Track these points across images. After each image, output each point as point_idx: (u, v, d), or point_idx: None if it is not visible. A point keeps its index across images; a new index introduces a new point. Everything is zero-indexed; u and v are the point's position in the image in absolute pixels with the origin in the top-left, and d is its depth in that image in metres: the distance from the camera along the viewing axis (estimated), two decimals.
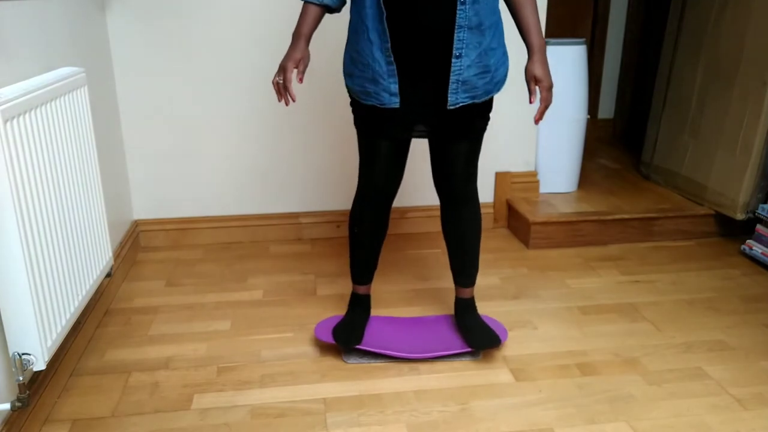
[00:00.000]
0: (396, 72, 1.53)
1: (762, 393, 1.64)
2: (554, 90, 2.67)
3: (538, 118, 1.56)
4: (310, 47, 2.42)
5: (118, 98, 2.39)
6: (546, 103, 1.57)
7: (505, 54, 1.60)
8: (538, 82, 1.55)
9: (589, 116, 2.81)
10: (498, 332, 1.82)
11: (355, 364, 1.77)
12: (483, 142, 2.62)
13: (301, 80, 1.55)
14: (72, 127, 1.61)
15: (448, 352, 1.76)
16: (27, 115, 1.35)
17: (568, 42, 2.66)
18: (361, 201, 1.75)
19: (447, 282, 2.24)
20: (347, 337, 1.77)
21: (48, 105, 1.46)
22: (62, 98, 1.55)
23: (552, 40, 2.67)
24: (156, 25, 2.33)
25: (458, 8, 1.46)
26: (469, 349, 1.77)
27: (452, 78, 1.51)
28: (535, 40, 1.55)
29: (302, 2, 1.59)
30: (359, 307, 1.87)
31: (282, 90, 1.55)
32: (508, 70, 1.62)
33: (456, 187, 1.71)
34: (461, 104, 1.54)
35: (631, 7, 3.64)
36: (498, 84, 1.59)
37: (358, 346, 1.77)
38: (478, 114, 1.62)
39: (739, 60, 2.47)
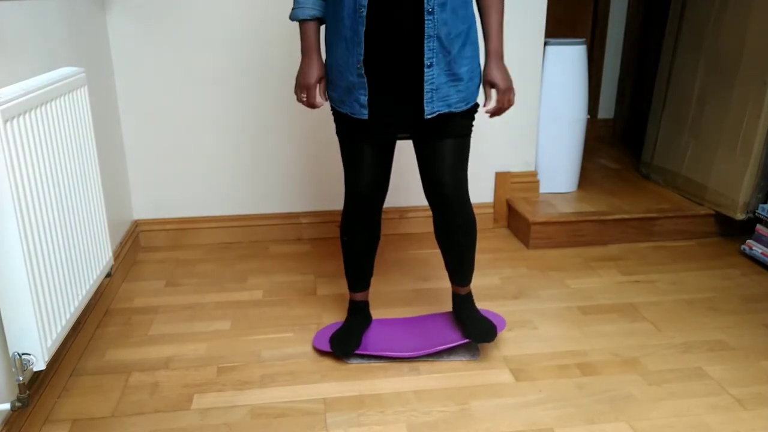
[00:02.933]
0: (366, 84, 1.53)
1: (762, 393, 1.64)
2: (554, 90, 2.70)
3: (492, 114, 1.60)
4: None
5: (118, 98, 2.39)
6: (506, 105, 1.59)
7: (479, 65, 1.60)
8: (494, 86, 1.58)
9: (589, 116, 2.81)
10: (495, 323, 1.83)
11: (356, 364, 1.77)
12: (483, 143, 2.64)
13: (325, 97, 1.62)
14: (72, 127, 1.61)
15: (446, 345, 1.77)
16: (27, 115, 1.35)
17: (568, 42, 2.66)
18: (349, 210, 1.74)
19: (447, 282, 2.23)
20: (345, 347, 1.77)
21: (48, 105, 1.46)
22: (62, 98, 1.55)
23: (552, 40, 2.67)
24: (156, 25, 2.33)
25: (426, 18, 1.47)
26: (467, 340, 1.77)
27: (426, 87, 1.52)
28: (492, 45, 1.57)
29: (298, 22, 1.59)
30: (358, 315, 1.87)
31: (309, 105, 1.63)
32: (480, 82, 1.61)
33: (446, 196, 1.66)
34: (438, 113, 1.55)
35: (631, 7, 3.63)
36: (474, 93, 1.59)
37: (357, 351, 1.77)
38: (459, 115, 1.60)
39: (739, 60, 2.47)
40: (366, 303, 1.89)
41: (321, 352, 1.82)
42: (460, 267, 1.80)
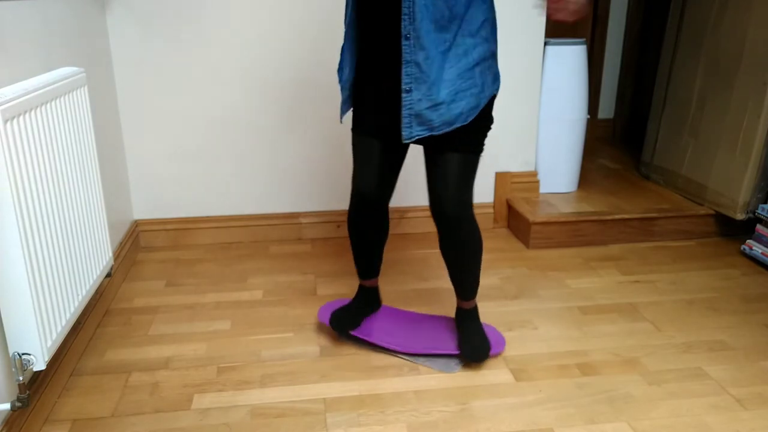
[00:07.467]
0: (350, 101, 1.65)
1: (762, 393, 1.64)
2: (554, 90, 2.70)
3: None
4: (310, 46, 2.42)
5: (118, 98, 2.39)
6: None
7: (470, 86, 1.51)
8: None
9: (589, 116, 2.81)
10: (495, 341, 1.82)
11: (351, 355, 1.77)
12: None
13: None
14: (72, 127, 1.61)
15: (434, 351, 1.77)
16: (27, 115, 1.35)
17: (568, 42, 2.66)
18: (352, 206, 1.75)
19: (447, 282, 2.24)
20: (341, 324, 1.83)
21: (48, 105, 1.46)
22: (62, 98, 1.55)
23: (552, 40, 2.67)
24: (156, 25, 2.33)
25: (403, 44, 1.45)
26: (457, 352, 1.76)
27: (404, 113, 1.49)
28: None
29: None
30: (363, 299, 1.90)
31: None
32: (475, 104, 1.52)
33: (446, 213, 1.61)
34: (417, 137, 1.52)
35: (631, 7, 3.64)
36: (461, 116, 1.51)
37: (353, 333, 1.83)
38: (464, 130, 1.55)
39: (739, 60, 2.47)
40: (373, 289, 1.91)
41: (321, 352, 1.82)
42: (462, 283, 1.77)
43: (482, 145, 1.61)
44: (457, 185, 1.59)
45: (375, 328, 1.85)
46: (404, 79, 1.47)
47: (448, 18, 1.44)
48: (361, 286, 1.90)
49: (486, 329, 1.87)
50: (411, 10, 1.41)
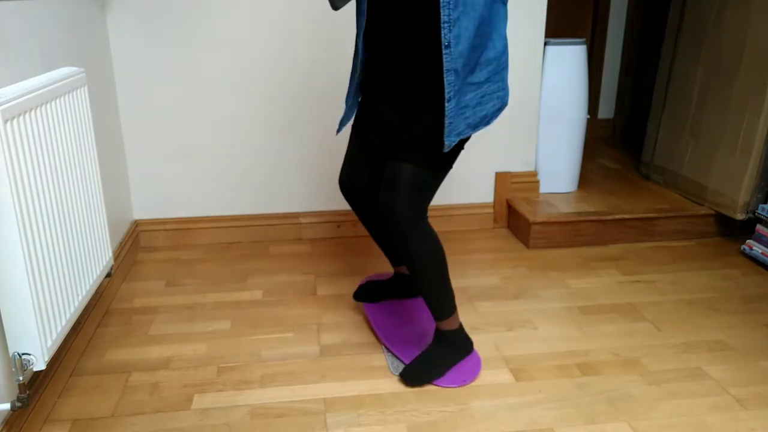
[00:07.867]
0: (355, 105, 1.70)
1: (762, 393, 1.64)
2: (554, 90, 2.70)
3: None
4: (311, 47, 2.42)
5: (118, 98, 2.39)
6: None
7: (498, 89, 1.54)
8: None
9: (589, 116, 2.81)
10: (454, 375, 1.69)
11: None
12: (484, 143, 2.64)
13: None
14: (72, 127, 1.61)
15: (392, 349, 1.80)
16: (27, 115, 1.35)
17: (568, 42, 2.66)
18: None
19: None
20: (360, 291, 2.03)
21: (48, 105, 1.46)
22: (62, 98, 1.55)
23: (552, 40, 2.67)
24: (156, 26, 2.33)
25: (444, 53, 1.42)
26: (405, 361, 1.73)
27: (447, 121, 1.47)
28: None
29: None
30: (395, 281, 2.02)
31: None
32: (500, 105, 1.56)
33: (385, 220, 1.58)
34: (452, 143, 1.50)
35: (631, 7, 3.64)
36: (485, 118, 1.53)
37: (364, 306, 2.00)
38: (430, 146, 1.52)
39: (739, 60, 2.47)
40: (401, 275, 2.00)
41: (321, 352, 1.82)
42: (425, 300, 1.68)
43: (445, 162, 1.58)
44: (406, 197, 1.55)
45: (384, 309, 1.95)
46: (447, 89, 1.44)
47: (483, 22, 1.44)
48: (394, 270, 2.04)
49: (466, 359, 1.74)
50: (450, 17, 1.39)
